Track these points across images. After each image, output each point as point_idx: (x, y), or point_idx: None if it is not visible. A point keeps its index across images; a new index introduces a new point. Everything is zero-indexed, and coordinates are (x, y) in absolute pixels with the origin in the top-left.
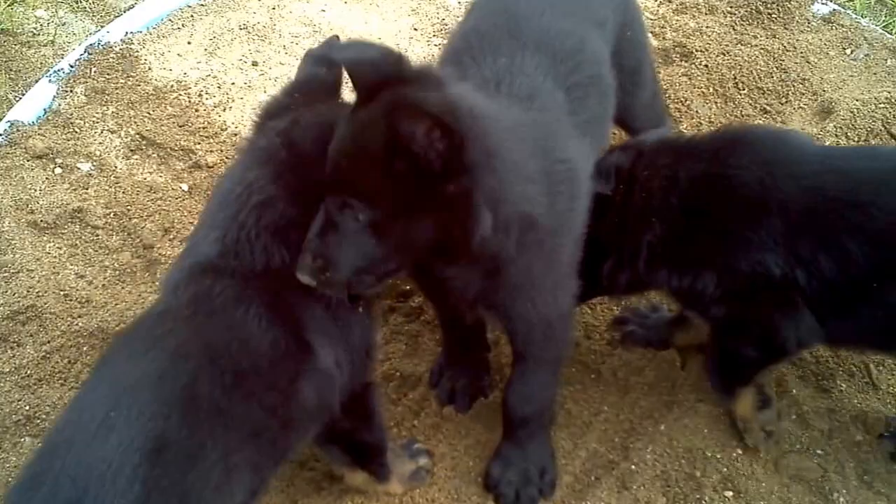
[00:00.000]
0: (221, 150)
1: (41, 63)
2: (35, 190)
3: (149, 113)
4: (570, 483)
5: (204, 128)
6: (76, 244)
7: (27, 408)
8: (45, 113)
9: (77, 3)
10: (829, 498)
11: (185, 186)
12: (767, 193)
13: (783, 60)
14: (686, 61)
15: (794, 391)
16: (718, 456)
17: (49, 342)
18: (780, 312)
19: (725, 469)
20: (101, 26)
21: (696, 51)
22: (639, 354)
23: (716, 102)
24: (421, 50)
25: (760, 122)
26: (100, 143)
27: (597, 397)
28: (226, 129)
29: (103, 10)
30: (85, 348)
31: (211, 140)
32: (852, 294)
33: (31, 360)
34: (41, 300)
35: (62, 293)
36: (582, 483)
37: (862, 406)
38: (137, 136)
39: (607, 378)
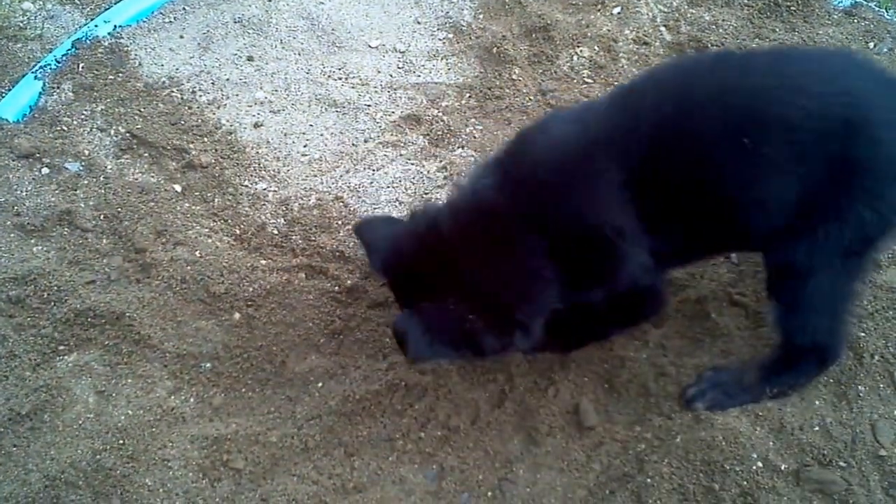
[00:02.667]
0: (216, 150)
1: (28, 58)
2: (21, 191)
3: (140, 110)
4: (584, 497)
5: (197, 126)
6: (65, 247)
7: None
8: (31, 110)
9: None
10: None
11: (178, 188)
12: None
13: None
14: None
15: (817, 402)
16: (738, 469)
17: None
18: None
19: (745, 482)
20: (92, 19)
21: (712, 45)
22: (652, 366)
23: None
24: (424, 45)
25: None
26: (88, 141)
27: (611, 409)
28: (220, 127)
29: (93, 2)
30: None
31: (205, 139)
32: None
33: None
34: (28, 301)
35: (51, 297)
36: (596, 497)
37: (886, 415)
38: (128, 134)
39: (620, 390)
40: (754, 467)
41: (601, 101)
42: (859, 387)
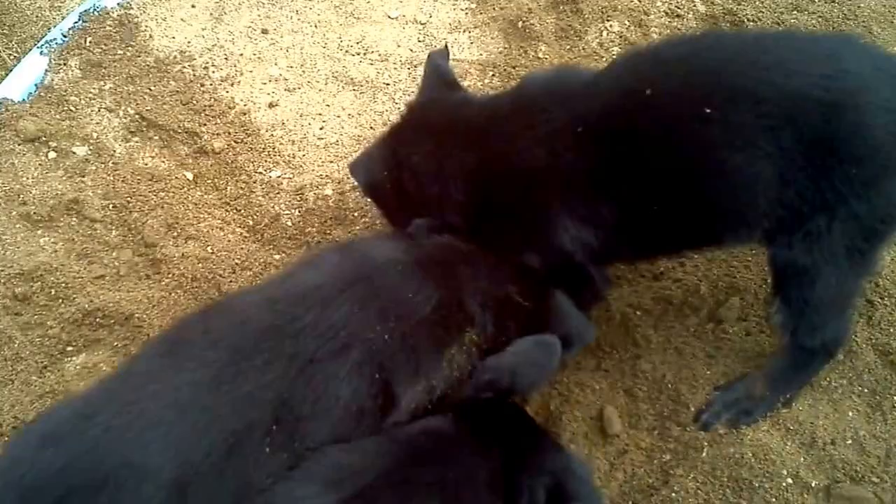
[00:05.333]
0: (229, 133)
1: (37, 17)
2: (27, 178)
3: (149, 89)
4: None
5: (210, 106)
6: (73, 239)
7: None
8: (37, 89)
9: None
10: None
11: (189, 175)
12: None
13: (843, 29)
14: (736, 29)
15: (850, 414)
16: (767, 486)
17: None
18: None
19: (774, 500)
20: None
21: (748, 19)
22: (679, 378)
23: None
24: (446, 15)
25: None
26: (97, 123)
27: (635, 419)
28: (233, 107)
29: None
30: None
31: (217, 121)
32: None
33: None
34: (35, 298)
35: (59, 294)
36: None
37: None
38: (137, 116)
39: (643, 400)
40: (784, 484)
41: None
42: (895, 398)
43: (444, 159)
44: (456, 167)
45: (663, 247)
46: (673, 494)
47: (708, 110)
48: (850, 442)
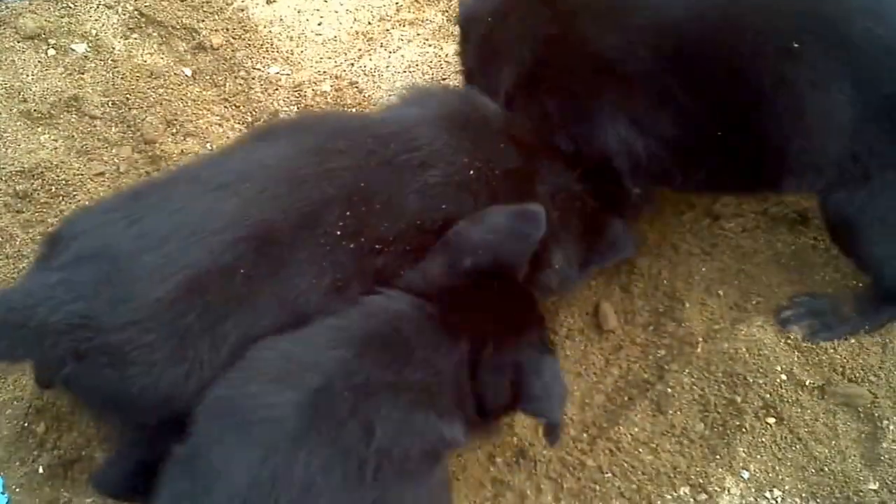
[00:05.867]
0: (227, 29)
1: None
2: (27, 75)
3: None
4: (602, 403)
5: (207, 2)
6: (73, 136)
7: None
8: None
9: None
10: (878, 425)
11: (188, 71)
12: None
13: None
14: None
15: None
16: (761, 382)
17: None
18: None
19: (768, 395)
20: None
21: None
22: (675, 274)
23: None
24: None
25: None
26: (95, 20)
27: (631, 315)
28: (231, 2)
29: None
30: None
31: (215, 17)
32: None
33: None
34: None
35: (59, 191)
36: (615, 403)
37: None
38: (136, 12)
39: (638, 296)
40: (778, 380)
41: None
42: None
43: (528, 17)
44: (534, 28)
45: (716, 181)
46: (668, 390)
47: (796, 45)
48: (852, 341)
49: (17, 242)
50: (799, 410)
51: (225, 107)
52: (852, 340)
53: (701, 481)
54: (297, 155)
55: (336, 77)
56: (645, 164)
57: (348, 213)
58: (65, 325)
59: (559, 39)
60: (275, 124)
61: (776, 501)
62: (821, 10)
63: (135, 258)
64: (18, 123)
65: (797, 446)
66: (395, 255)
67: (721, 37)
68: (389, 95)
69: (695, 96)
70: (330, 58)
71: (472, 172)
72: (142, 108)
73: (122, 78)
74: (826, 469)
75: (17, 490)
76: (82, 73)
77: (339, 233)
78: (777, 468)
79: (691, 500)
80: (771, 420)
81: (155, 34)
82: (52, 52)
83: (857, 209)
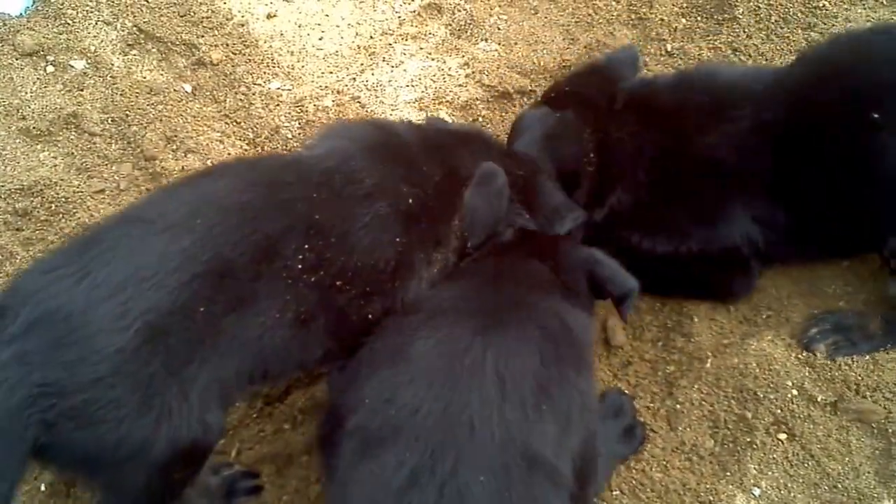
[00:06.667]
0: (227, 45)
1: None
2: (26, 92)
3: (146, 1)
4: None
5: (207, 17)
6: (72, 153)
7: None
8: (34, 3)
9: None
10: (892, 441)
11: (188, 87)
12: None
13: None
14: None
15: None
16: (772, 397)
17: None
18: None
19: (779, 411)
20: None
21: None
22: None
23: None
24: None
25: None
26: (94, 36)
27: (639, 331)
28: (231, 18)
29: None
30: None
31: (215, 32)
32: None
33: None
34: (36, 213)
35: (59, 209)
36: None
37: None
38: (135, 28)
39: (646, 312)
40: (789, 395)
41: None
42: None
43: (637, 138)
44: (645, 148)
45: (829, 252)
46: (678, 406)
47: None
48: (867, 358)
49: (18, 260)
50: (811, 426)
51: (226, 123)
52: (866, 357)
53: (711, 498)
54: (245, 188)
55: (338, 92)
56: (763, 250)
57: (306, 247)
58: (26, 401)
59: (672, 153)
60: (216, 164)
61: None
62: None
63: (90, 312)
64: (17, 141)
65: (809, 463)
66: (357, 296)
67: (819, 128)
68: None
69: (803, 187)
70: (332, 72)
71: (411, 201)
72: (141, 124)
73: (121, 94)
74: (839, 486)
75: None
76: (81, 90)
77: (299, 266)
78: (789, 485)
79: None
80: (782, 436)
81: (154, 50)
82: (50, 69)
83: None
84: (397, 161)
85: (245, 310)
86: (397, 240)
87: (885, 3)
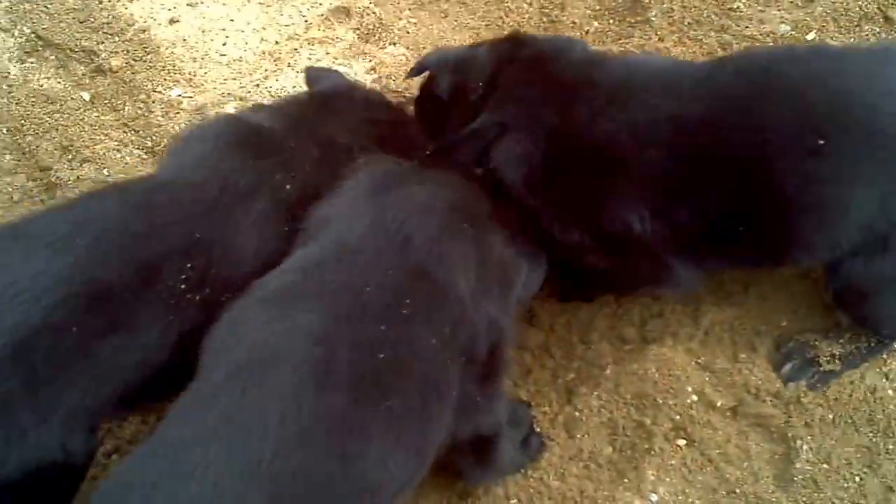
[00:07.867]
0: (127, 51)
1: None
2: None
3: (46, 7)
4: None
5: (108, 23)
6: None
7: None
8: None
9: None
10: (791, 446)
11: (86, 95)
12: None
13: None
14: None
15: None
16: (671, 403)
17: None
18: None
19: (678, 416)
20: None
21: None
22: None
23: None
24: None
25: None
26: None
27: (538, 341)
28: (133, 23)
29: None
30: None
31: (116, 38)
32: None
33: None
34: None
35: None
36: None
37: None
38: (33, 35)
39: (544, 321)
40: (688, 401)
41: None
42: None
43: (540, 109)
44: (545, 122)
45: (727, 262)
46: (577, 413)
47: (821, 141)
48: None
49: None
50: (710, 432)
51: (124, 132)
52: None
53: None
54: (123, 212)
55: (240, 99)
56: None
57: (189, 266)
58: None
59: (566, 135)
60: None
61: None
62: (839, 102)
63: None
64: None
65: (708, 468)
66: None
67: (738, 137)
68: None
69: (706, 194)
70: (234, 79)
71: (288, 187)
72: (37, 134)
73: (17, 104)
74: (738, 491)
75: None
76: None
77: (182, 286)
78: (687, 490)
79: None
80: (681, 442)
81: (52, 57)
82: None
83: (872, 275)
84: (264, 151)
85: (123, 332)
86: (287, 230)
87: (799, 4)
